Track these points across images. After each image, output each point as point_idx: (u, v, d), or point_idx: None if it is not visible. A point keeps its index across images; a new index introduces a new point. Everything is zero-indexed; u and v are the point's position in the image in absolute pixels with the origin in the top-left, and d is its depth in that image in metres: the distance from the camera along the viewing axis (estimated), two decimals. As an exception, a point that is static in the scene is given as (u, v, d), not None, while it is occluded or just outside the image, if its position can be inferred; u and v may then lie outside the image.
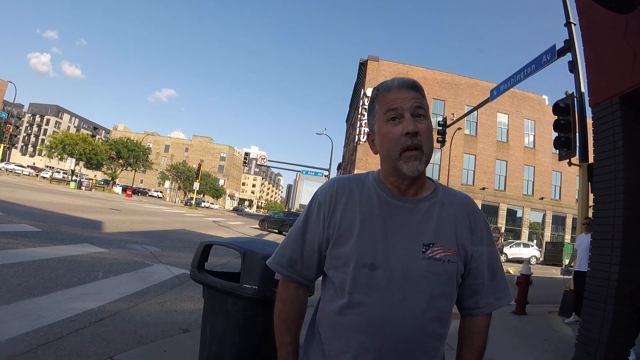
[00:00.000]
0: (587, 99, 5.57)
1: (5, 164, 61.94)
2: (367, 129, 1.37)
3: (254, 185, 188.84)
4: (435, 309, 1.22)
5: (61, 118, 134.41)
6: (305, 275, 1.37)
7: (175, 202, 72.55)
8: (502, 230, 34.70)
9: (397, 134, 1.23)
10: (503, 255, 28.62)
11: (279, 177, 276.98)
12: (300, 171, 43.40)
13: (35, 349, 3.38)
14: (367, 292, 1.20)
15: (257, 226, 31.30)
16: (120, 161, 61.72)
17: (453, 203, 1.34)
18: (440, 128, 19.88)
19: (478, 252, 1.32)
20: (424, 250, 1.23)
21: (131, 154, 61.17)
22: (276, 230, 28.30)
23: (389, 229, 1.25)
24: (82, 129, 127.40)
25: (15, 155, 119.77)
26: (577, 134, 8.87)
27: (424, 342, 1.21)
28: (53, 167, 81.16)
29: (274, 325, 1.40)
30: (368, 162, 36.71)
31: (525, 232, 39.18)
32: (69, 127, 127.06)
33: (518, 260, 29.33)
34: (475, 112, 34.88)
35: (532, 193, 40.03)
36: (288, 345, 1.37)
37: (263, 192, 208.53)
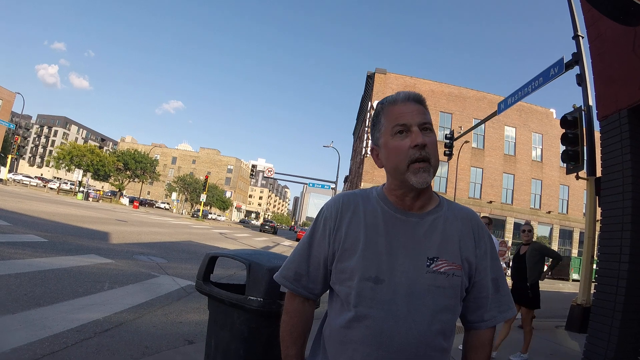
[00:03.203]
0: (595, 112, 5.56)
1: (13, 174, 62.31)
2: (371, 142, 1.38)
3: (260, 198, 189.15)
4: (440, 322, 1.22)
5: (69, 129, 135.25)
6: (310, 289, 1.39)
7: (182, 213, 72.81)
8: (509, 244, 34.49)
9: (405, 147, 1.24)
10: (510, 269, 28.38)
11: (285, 190, 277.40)
12: (307, 184, 43.41)
13: (40, 359, 3.38)
14: (372, 305, 1.21)
15: (264, 237, 32.69)
16: (128, 173, 62.04)
17: (458, 218, 1.35)
18: (448, 141, 19.84)
19: (482, 266, 1.33)
20: (428, 264, 1.24)
21: (138, 166, 61.50)
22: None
23: (393, 243, 1.26)
24: (89, 141, 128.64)
25: (23, 166, 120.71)
26: (585, 147, 8.83)
27: (429, 355, 1.21)
28: (60, 178, 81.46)
29: (280, 338, 1.41)
30: (375, 175, 36.70)
31: (532, 246, 38.87)
32: (76, 139, 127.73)
33: (525, 274, 29.07)
34: (483, 125, 34.90)
35: (540, 207, 39.81)
36: (293, 358, 1.38)
37: (270, 204, 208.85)
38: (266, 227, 53.83)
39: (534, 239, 6.33)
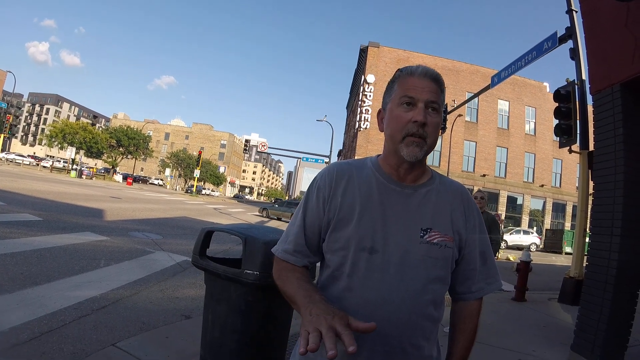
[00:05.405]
0: (588, 86, 5.55)
1: (6, 153, 61.59)
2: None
3: (254, 173, 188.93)
4: (431, 292, 1.24)
5: (61, 107, 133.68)
6: (311, 261, 1.39)
7: (176, 189, 72.63)
8: (503, 217, 34.73)
9: (406, 119, 1.24)
10: (503, 242, 28.67)
11: (279, 164, 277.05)
12: (300, 158, 43.21)
13: (39, 337, 3.41)
14: (366, 275, 1.22)
15: (258, 213, 33.92)
16: (121, 149, 61.59)
17: (449, 191, 1.37)
18: (441, 115, 19.78)
19: (471, 238, 1.35)
20: (421, 234, 1.25)
21: (131, 142, 61.04)
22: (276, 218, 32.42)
23: (388, 213, 1.27)
24: (82, 118, 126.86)
25: (16, 145, 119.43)
26: (578, 121, 8.83)
27: (421, 325, 1.24)
28: (53, 156, 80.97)
29: (279, 287, 1.33)
30: (368, 148, 36.63)
31: (525, 219, 39.19)
32: (68, 116, 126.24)
33: (518, 247, 29.38)
34: (476, 99, 34.79)
35: (533, 180, 39.98)
36: (311, 294, 1.17)
37: (264, 179, 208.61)
38: (276, 205, 62.62)
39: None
